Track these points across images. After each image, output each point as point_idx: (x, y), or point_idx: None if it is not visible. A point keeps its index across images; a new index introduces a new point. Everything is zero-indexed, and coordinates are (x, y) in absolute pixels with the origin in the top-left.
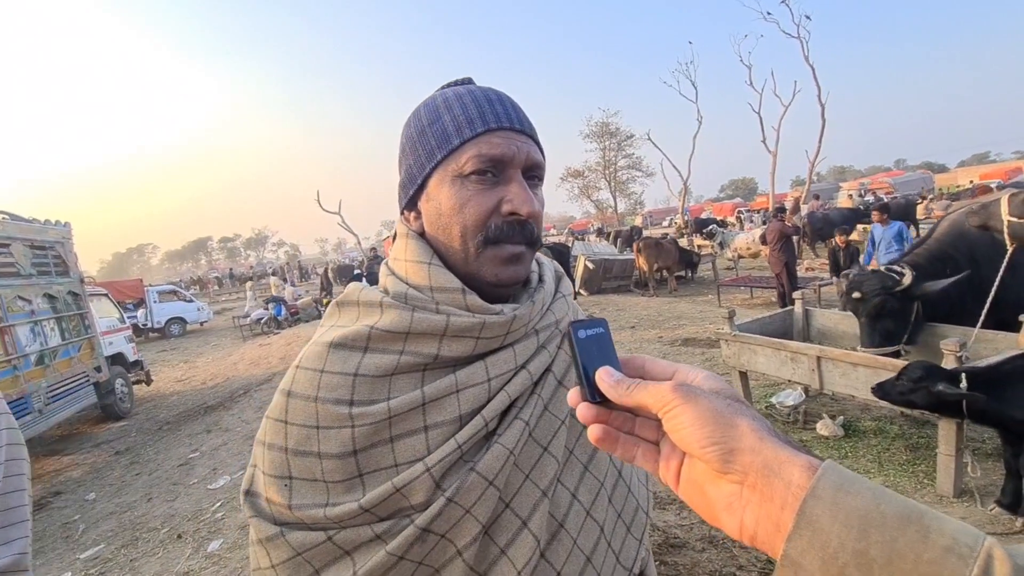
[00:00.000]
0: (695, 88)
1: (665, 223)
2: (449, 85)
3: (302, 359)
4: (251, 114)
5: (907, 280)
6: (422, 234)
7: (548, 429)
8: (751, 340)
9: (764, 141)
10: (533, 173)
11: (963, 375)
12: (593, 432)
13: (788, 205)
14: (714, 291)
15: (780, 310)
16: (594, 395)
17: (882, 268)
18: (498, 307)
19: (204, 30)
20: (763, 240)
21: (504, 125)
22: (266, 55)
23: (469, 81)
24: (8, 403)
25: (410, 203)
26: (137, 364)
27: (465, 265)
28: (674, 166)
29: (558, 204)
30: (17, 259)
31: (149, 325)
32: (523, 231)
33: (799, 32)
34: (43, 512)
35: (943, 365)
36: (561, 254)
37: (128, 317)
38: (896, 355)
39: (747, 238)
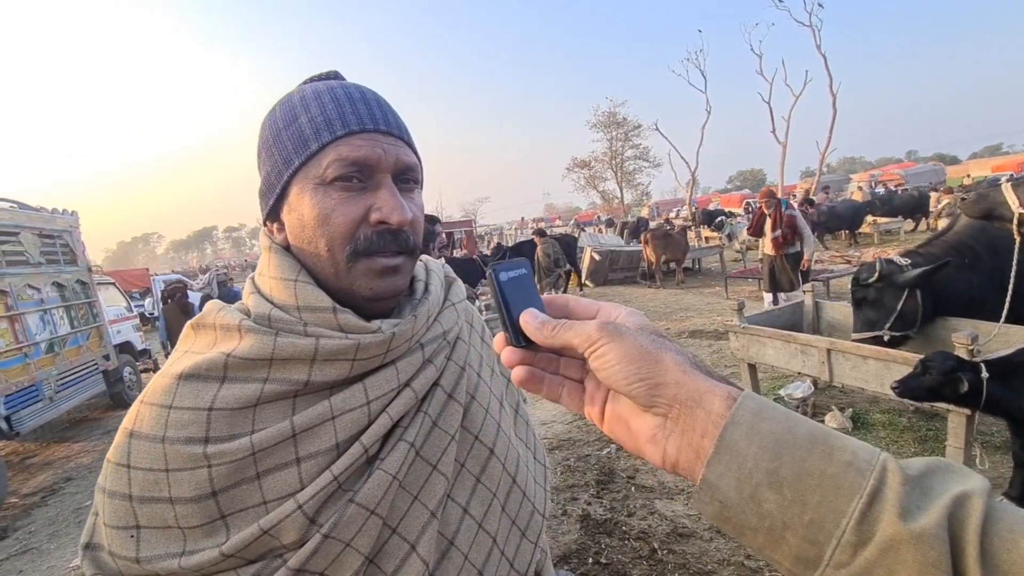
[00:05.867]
0: (704, 77)
1: (672, 213)
2: (312, 80)
3: (147, 394)
4: (258, 105)
5: (877, 271)
6: (287, 247)
7: (437, 446)
8: (760, 332)
9: (774, 131)
10: (406, 177)
11: (983, 365)
12: (517, 374)
13: (798, 196)
14: (721, 283)
15: (789, 303)
16: (519, 339)
17: (893, 259)
18: (375, 324)
19: (210, 22)
20: None
21: (368, 127)
22: (278, 47)
23: (335, 75)
24: (19, 390)
25: (272, 213)
26: (145, 353)
27: (337, 280)
28: (682, 157)
29: (564, 195)
30: (26, 248)
31: (155, 314)
32: (396, 240)
33: (811, 20)
34: (55, 497)
35: None
36: (568, 245)
37: (135, 306)
38: (878, 340)
39: None
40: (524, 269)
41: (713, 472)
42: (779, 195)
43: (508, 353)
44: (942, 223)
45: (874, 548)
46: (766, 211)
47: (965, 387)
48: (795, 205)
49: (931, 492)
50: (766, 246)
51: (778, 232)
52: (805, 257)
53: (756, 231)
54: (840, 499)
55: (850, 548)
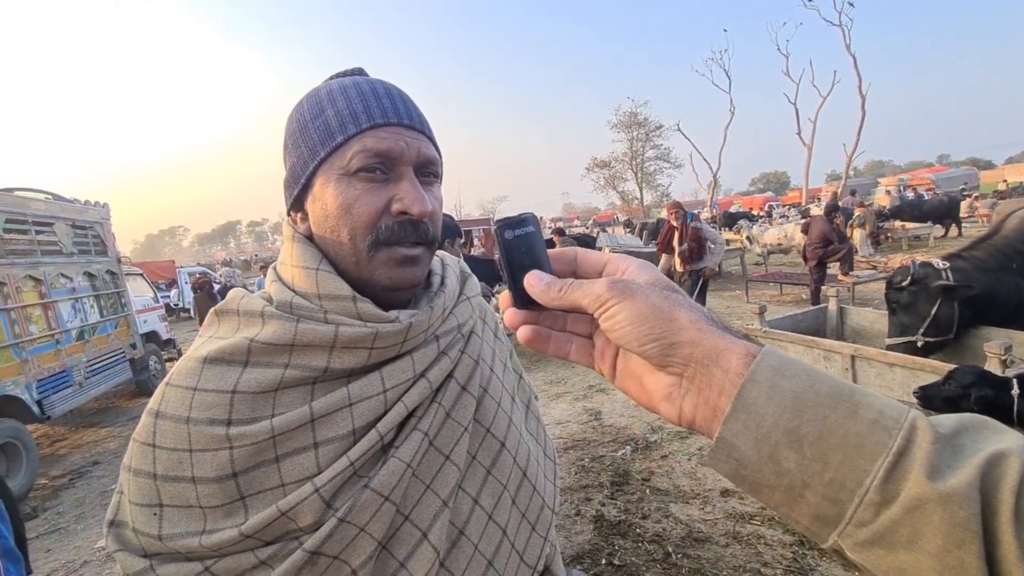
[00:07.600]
0: (728, 77)
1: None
2: (337, 76)
3: (173, 376)
4: (281, 103)
5: (910, 274)
6: (310, 237)
7: (450, 437)
8: (782, 337)
9: (799, 133)
10: (427, 170)
11: (1015, 381)
12: (523, 334)
13: (823, 199)
14: (742, 286)
15: (813, 307)
16: (523, 300)
17: (931, 262)
18: (393, 314)
19: (238, 18)
20: (804, 229)
21: (392, 120)
22: (304, 45)
23: (360, 72)
24: (51, 376)
25: (296, 203)
26: (170, 342)
27: (357, 269)
28: (704, 158)
29: (583, 195)
30: (60, 238)
31: (180, 305)
32: (417, 231)
33: (840, 20)
34: (82, 480)
35: (986, 367)
36: (587, 245)
37: (161, 297)
38: (912, 346)
39: (778, 232)
40: (531, 226)
41: (729, 431)
42: (803, 199)
43: (511, 314)
44: (856, 232)
45: (899, 507)
46: (674, 224)
47: (971, 405)
48: (700, 218)
49: (963, 451)
50: (675, 262)
51: (684, 247)
52: (708, 267)
53: (665, 246)
54: (864, 458)
55: (873, 507)
